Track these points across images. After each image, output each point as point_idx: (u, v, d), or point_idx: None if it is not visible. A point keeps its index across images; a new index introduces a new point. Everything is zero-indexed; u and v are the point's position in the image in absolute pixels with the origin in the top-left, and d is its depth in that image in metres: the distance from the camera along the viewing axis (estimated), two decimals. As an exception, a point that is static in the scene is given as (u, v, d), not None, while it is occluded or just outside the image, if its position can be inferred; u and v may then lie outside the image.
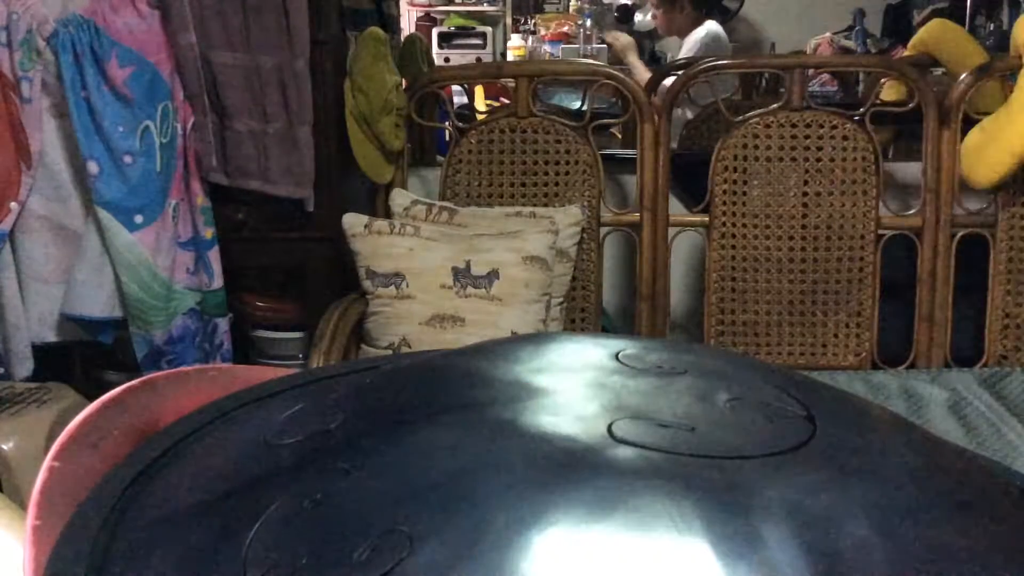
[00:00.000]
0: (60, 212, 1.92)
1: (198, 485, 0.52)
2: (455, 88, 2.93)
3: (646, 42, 5.08)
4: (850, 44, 4.44)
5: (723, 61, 2.58)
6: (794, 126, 2.23)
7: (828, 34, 4.57)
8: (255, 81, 2.00)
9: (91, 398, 0.58)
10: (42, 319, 1.94)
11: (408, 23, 5.25)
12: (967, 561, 0.44)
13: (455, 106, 2.55)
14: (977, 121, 2.19)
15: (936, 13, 4.16)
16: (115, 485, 0.52)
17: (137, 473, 0.53)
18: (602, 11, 5.65)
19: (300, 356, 2.23)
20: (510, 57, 5.27)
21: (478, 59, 4.96)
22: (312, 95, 2.03)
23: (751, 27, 5.47)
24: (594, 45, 5.26)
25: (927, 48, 2.48)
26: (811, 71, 2.41)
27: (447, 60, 4.88)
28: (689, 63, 2.64)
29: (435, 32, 5.38)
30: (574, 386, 0.53)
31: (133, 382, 0.61)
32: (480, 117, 2.41)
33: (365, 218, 2.08)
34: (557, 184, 2.27)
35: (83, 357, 2.23)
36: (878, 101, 2.27)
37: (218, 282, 2.08)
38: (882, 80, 2.31)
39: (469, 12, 5.68)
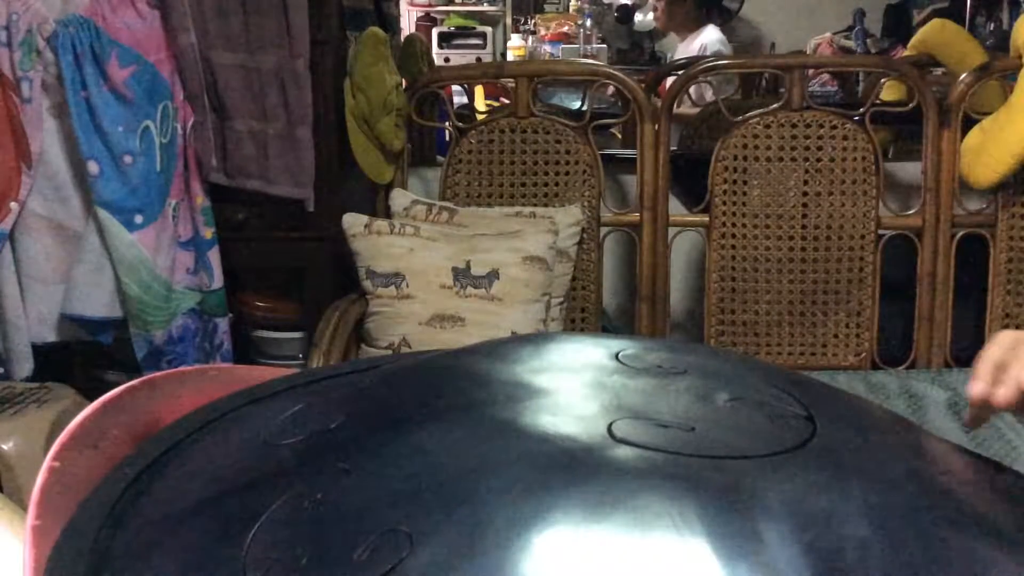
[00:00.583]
0: (60, 212, 1.92)
1: (198, 485, 0.52)
2: (455, 88, 2.92)
3: (646, 42, 5.08)
4: (850, 44, 4.44)
5: (723, 61, 2.58)
6: (794, 126, 2.23)
7: (828, 34, 4.57)
8: (255, 81, 2.00)
9: (91, 398, 0.58)
10: (42, 319, 1.94)
11: (408, 23, 5.25)
12: (966, 561, 0.44)
13: (455, 106, 2.55)
14: (977, 121, 2.19)
15: (936, 13, 4.16)
16: (115, 485, 0.52)
17: (137, 473, 0.53)
18: (602, 11, 5.64)
19: (300, 356, 2.23)
20: (510, 57, 5.27)
21: (478, 59, 4.96)
22: (312, 95, 2.03)
23: (751, 27, 5.47)
24: (594, 45, 5.26)
25: (927, 48, 2.48)
26: (811, 71, 2.41)
27: (447, 60, 4.88)
28: (689, 63, 2.63)
29: (435, 32, 5.38)
30: (574, 386, 0.53)
31: (133, 382, 0.61)
32: (480, 117, 2.41)
33: (365, 218, 2.08)
34: (557, 184, 2.27)
35: (83, 357, 2.23)
36: (878, 101, 2.27)
37: (218, 282, 2.08)
38: (882, 80, 2.31)
39: (469, 12, 5.68)
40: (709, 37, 3.83)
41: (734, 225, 2.25)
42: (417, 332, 2.01)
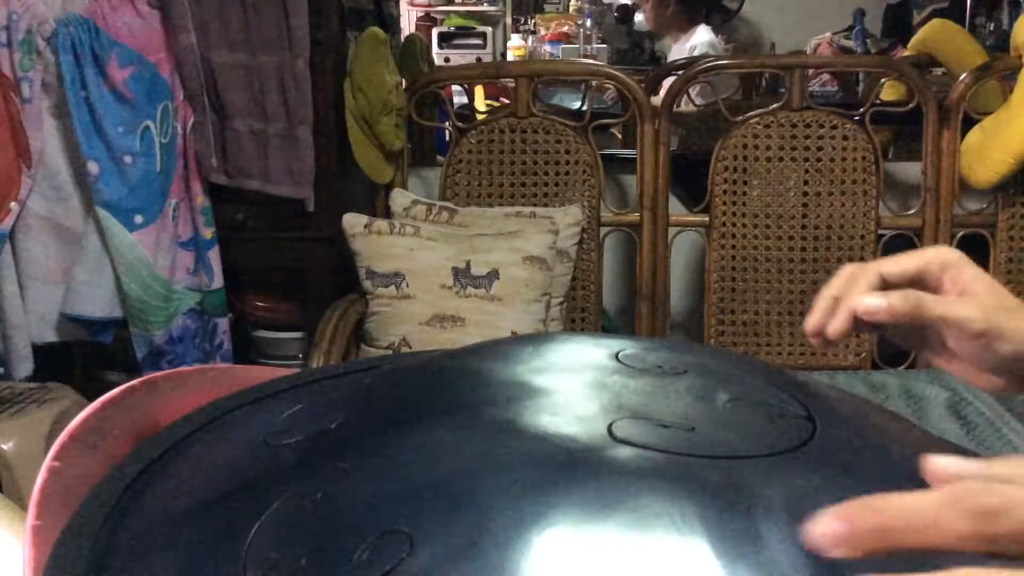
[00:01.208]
0: (60, 212, 1.92)
1: (198, 485, 0.52)
2: (455, 88, 2.93)
3: (646, 42, 5.08)
4: (850, 44, 4.44)
5: (723, 61, 2.58)
6: (794, 126, 2.23)
7: (828, 34, 4.56)
8: (255, 81, 2.00)
9: (91, 398, 0.58)
10: (42, 319, 1.94)
11: (408, 23, 5.24)
12: (966, 560, 0.44)
13: (455, 106, 2.55)
14: (977, 121, 2.19)
15: (936, 13, 4.16)
16: (115, 485, 0.52)
17: (137, 473, 0.53)
18: (602, 11, 5.64)
19: (300, 356, 2.23)
20: (510, 57, 5.26)
21: (478, 59, 4.96)
22: (312, 95, 2.03)
23: (751, 27, 5.47)
24: (594, 45, 5.25)
25: (927, 48, 2.48)
26: (811, 71, 2.41)
27: (447, 60, 4.87)
28: (689, 63, 2.64)
29: (435, 32, 5.38)
30: (574, 386, 0.53)
31: (133, 382, 0.61)
32: (480, 117, 2.41)
33: (365, 218, 2.08)
34: (557, 184, 2.27)
35: (83, 357, 2.23)
36: (878, 101, 2.27)
37: (218, 282, 2.08)
38: (882, 80, 2.31)
39: (469, 12, 5.68)
40: (699, 39, 3.83)
41: (734, 225, 2.25)
42: (417, 332, 2.01)
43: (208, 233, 2.07)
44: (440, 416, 0.51)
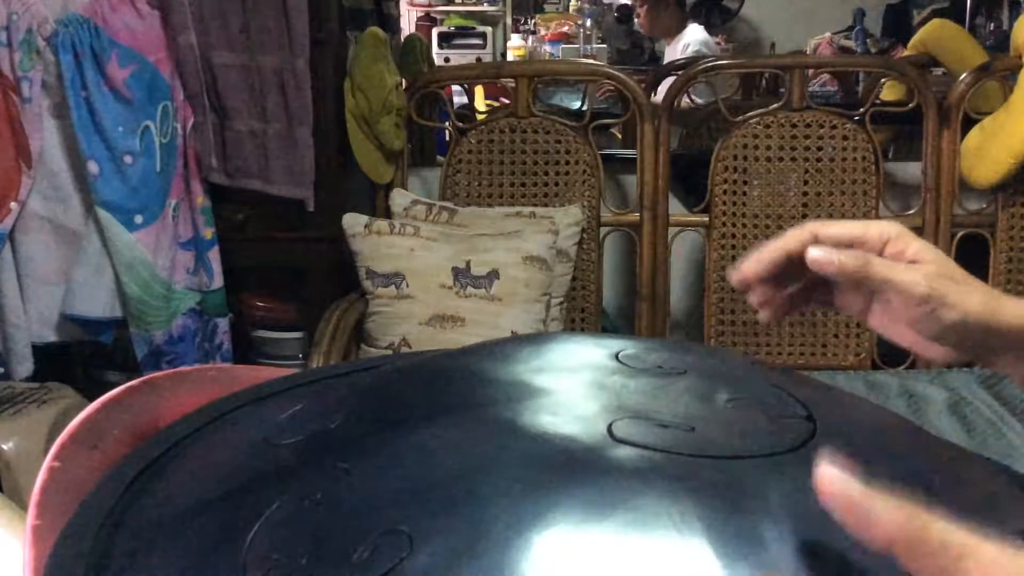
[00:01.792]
0: (60, 212, 1.92)
1: (198, 485, 0.52)
2: (455, 88, 2.93)
3: (646, 42, 5.08)
4: (850, 44, 4.44)
5: (723, 61, 2.58)
6: (794, 126, 2.23)
7: (828, 34, 4.57)
8: (255, 81, 2.00)
9: (91, 398, 0.58)
10: (42, 319, 1.94)
11: (408, 23, 5.25)
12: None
13: (455, 106, 2.55)
14: (977, 121, 2.19)
15: (936, 13, 4.16)
16: (115, 485, 0.52)
17: (137, 473, 0.53)
18: (602, 11, 5.64)
19: (300, 356, 2.23)
20: (510, 57, 5.26)
21: (478, 59, 4.96)
22: (312, 95, 2.03)
23: (751, 27, 5.47)
24: (594, 45, 5.26)
25: (927, 48, 2.48)
26: (811, 71, 2.41)
27: (447, 60, 4.87)
28: (689, 63, 2.64)
29: (435, 32, 5.38)
30: (574, 386, 0.53)
31: (133, 382, 0.61)
32: (480, 117, 2.41)
33: (365, 218, 2.08)
34: (557, 184, 2.27)
35: (83, 357, 2.23)
36: (878, 101, 2.27)
37: (218, 282, 2.08)
38: (882, 80, 2.31)
39: (469, 12, 5.68)
40: (692, 36, 3.83)
41: (734, 225, 2.25)
42: (417, 332, 2.01)
43: (208, 233, 2.07)
44: (440, 416, 0.51)
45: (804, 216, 2.24)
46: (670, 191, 2.28)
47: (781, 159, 2.24)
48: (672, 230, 2.28)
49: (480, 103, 3.37)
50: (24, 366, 1.91)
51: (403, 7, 4.46)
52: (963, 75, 2.20)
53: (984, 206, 2.25)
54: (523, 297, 2.04)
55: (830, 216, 2.23)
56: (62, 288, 1.93)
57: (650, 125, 2.23)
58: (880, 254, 0.63)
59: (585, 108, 2.34)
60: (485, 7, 5.70)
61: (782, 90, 2.32)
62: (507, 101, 2.60)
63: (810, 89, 2.34)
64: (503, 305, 2.03)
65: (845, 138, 2.22)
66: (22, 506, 0.82)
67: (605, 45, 5.30)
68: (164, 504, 0.50)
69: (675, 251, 2.30)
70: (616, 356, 0.57)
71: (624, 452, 0.45)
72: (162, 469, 0.54)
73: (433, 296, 2.02)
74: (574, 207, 2.21)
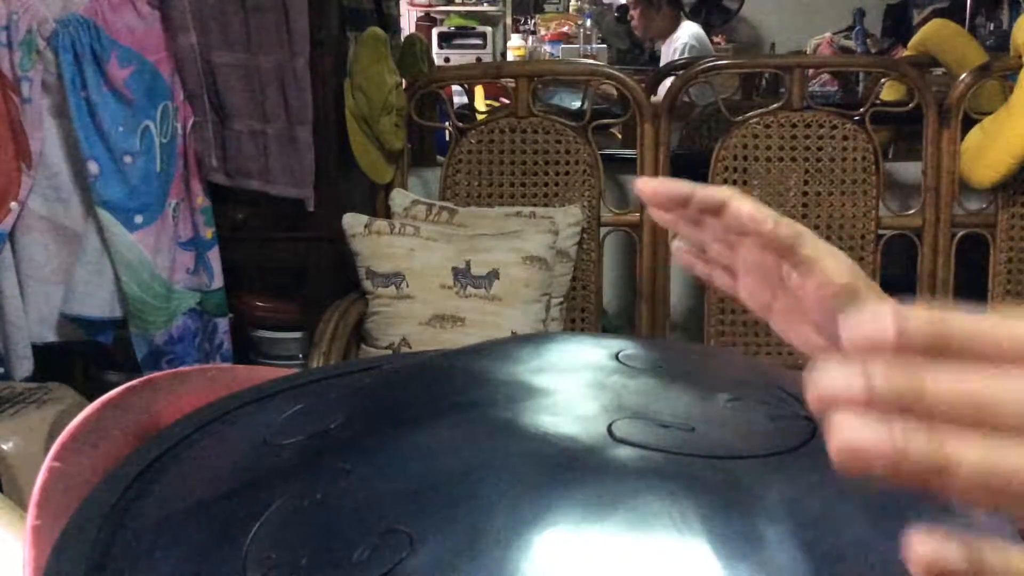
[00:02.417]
0: (60, 212, 1.92)
1: (198, 485, 0.52)
2: (455, 88, 2.93)
3: (646, 42, 5.08)
4: (850, 44, 4.44)
5: (723, 61, 2.58)
6: (794, 126, 2.23)
7: (828, 34, 4.57)
8: (255, 81, 2.00)
9: (91, 398, 0.58)
10: (42, 319, 1.94)
11: (408, 23, 5.25)
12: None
13: (455, 106, 2.55)
14: (977, 121, 2.19)
15: (936, 13, 4.17)
16: (115, 485, 0.52)
17: (137, 473, 0.53)
18: (602, 11, 5.64)
19: (300, 356, 2.23)
20: (510, 57, 5.27)
21: (478, 59, 4.96)
22: (312, 95, 2.03)
23: (751, 27, 5.47)
24: (594, 45, 5.26)
25: (927, 48, 2.48)
26: (811, 71, 2.41)
27: (447, 60, 4.88)
28: (689, 63, 2.63)
29: (435, 32, 5.38)
30: (574, 386, 0.53)
31: (133, 382, 0.61)
32: (480, 117, 2.41)
33: (365, 218, 2.08)
34: (557, 184, 2.27)
35: (83, 357, 2.23)
36: (878, 101, 2.27)
37: (218, 282, 2.08)
38: (882, 80, 2.31)
39: (469, 12, 5.68)
40: (686, 32, 3.84)
41: (734, 225, 2.25)
42: (417, 332, 2.01)
43: (208, 233, 2.07)
44: (440, 416, 0.51)
45: (804, 216, 2.24)
46: (670, 191, 2.28)
47: (781, 159, 2.23)
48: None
49: (480, 103, 3.37)
50: (24, 366, 1.91)
51: (403, 7, 4.46)
52: (963, 75, 2.20)
53: (984, 206, 2.24)
54: (523, 297, 2.04)
55: (830, 217, 2.23)
56: (62, 288, 1.93)
57: (650, 125, 2.23)
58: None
59: (585, 108, 2.34)
60: (485, 7, 5.70)
61: (782, 90, 2.32)
62: (507, 101, 2.60)
63: (810, 89, 2.34)
64: (503, 305, 2.03)
65: (845, 138, 2.22)
66: (22, 506, 0.82)
67: (605, 45, 5.30)
68: (164, 504, 0.50)
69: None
70: (616, 356, 0.57)
71: (624, 452, 0.45)
72: (162, 469, 0.54)
73: (433, 296, 2.02)
74: (574, 207, 2.21)
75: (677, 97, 2.29)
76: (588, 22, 5.51)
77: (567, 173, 2.27)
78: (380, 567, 0.40)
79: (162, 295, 1.98)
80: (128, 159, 1.89)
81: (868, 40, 4.47)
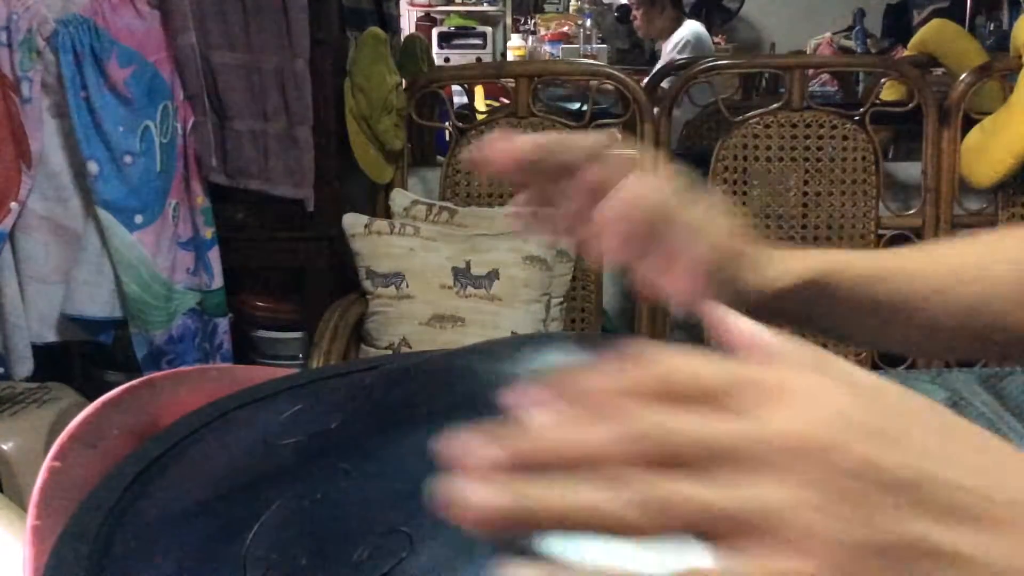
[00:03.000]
0: (60, 212, 1.92)
1: (198, 485, 0.52)
2: (455, 88, 2.93)
3: (646, 42, 5.09)
4: (850, 44, 4.44)
5: (723, 61, 2.58)
6: (794, 126, 2.23)
7: (828, 34, 4.57)
8: (255, 81, 2.00)
9: (91, 398, 0.58)
10: (42, 319, 1.94)
11: (408, 23, 5.25)
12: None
13: (455, 106, 2.55)
14: (977, 121, 2.19)
15: (936, 13, 4.17)
16: (115, 485, 0.52)
17: (137, 473, 0.53)
18: (602, 11, 5.65)
19: (300, 356, 2.23)
20: (510, 57, 5.27)
21: (478, 59, 4.96)
22: (312, 95, 2.03)
23: (751, 27, 5.47)
24: (594, 45, 5.26)
25: (927, 48, 2.48)
26: (811, 71, 2.41)
27: (447, 60, 4.88)
28: (688, 63, 2.63)
29: (435, 32, 5.38)
30: (574, 386, 0.53)
31: (133, 382, 0.61)
32: (480, 117, 2.41)
33: (365, 218, 2.08)
34: (557, 184, 2.27)
35: (83, 357, 2.23)
36: (878, 101, 2.27)
37: (218, 282, 2.08)
38: (882, 80, 2.31)
39: (469, 12, 5.68)
40: (687, 30, 3.84)
41: (734, 225, 2.25)
42: (417, 332, 2.01)
43: (208, 233, 2.07)
44: (440, 416, 0.51)
45: (804, 216, 2.24)
46: (670, 191, 2.28)
47: (781, 159, 2.23)
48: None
49: (480, 103, 3.37)
50: (24, 366, 1.91)
51: (403, 7, 4.46)
52: (963, 75, 2.20)
53: (984, 206, 2.24)
54: (523, 297, 2.04)
55: (830, 217, 2.23)
56: (62, 288, 1.93)
57: (650, 125, 2.23)
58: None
59: (585, 108, 2.34)
60: (485, 7, 5.70)
61: (782, 90, 2.32)
62: (507, 101, 2.60)
63: (810, 89, 2.34)
64: (503, 305, 2.03)
65: (845, 138, 2.22)
66: (22, 506, 0.82)
67: (605, 45, 5.30)
68: (164, 504, 0.50)
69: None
70: (616, 356, 0.57)
71: (624, 452, 0.45)
72: (162, 469, 0.54)
73: (433, 296, 2.02)
74: (574, 207, 2.20)
75: (677, 97, 2.29)
76: (588, 22, 5.51)
77: (567, 173, 2.26)
78: (380, 567, 0.40)
79: (162, 295, 1.98)
80: (128, 159, 1.89)
81: (868, 40, 4.47)
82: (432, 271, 2.03)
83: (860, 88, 3.29)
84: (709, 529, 0.29)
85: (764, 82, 3.54)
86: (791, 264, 0.59)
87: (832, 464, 0.29)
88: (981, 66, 2.21)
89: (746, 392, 0.30)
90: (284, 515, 0.44)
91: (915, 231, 2.23)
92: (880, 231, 2.23)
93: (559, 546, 0.38)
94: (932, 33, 2.53)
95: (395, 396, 0.57)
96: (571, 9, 5.80)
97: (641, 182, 0.56)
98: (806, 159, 2.23)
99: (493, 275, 2.03)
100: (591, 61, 4.26)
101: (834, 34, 4.56)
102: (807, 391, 0.30)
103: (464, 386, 0.55)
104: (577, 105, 3.22)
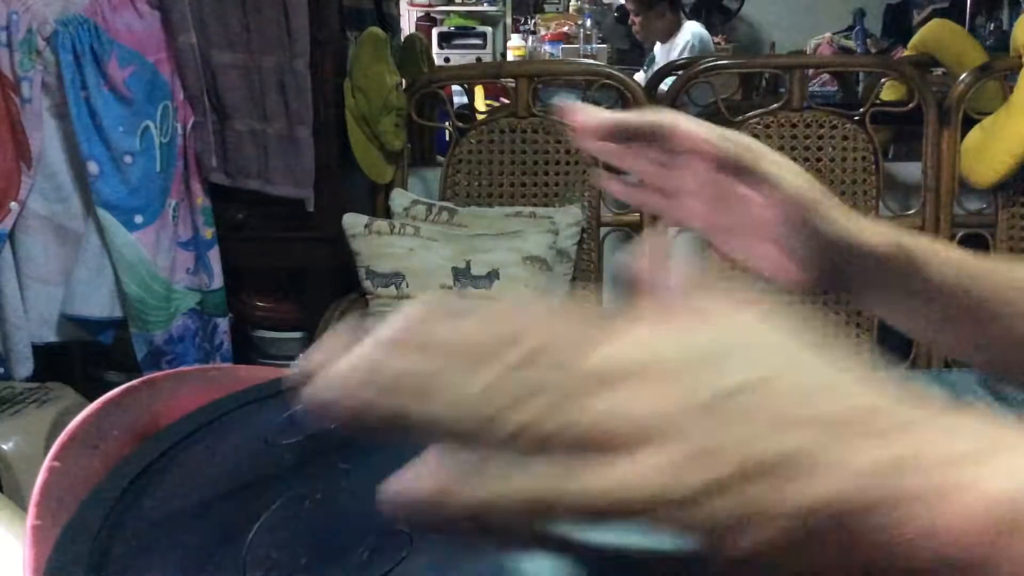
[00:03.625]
0: (60, 212, 1.92)
1: (198, 485, 0.52)
2: (455, 88, 2.92)
3: (646, 43, 5.09)
4: (850, 44, 4.44)
5: (723, 61, 2.58)
6: (794, 126, 2.23)
7: (828, 34, 4.57)
8: (255, 81, 2.00)
9: (91, 398, 0.58)
10: (42, 319, 1.94)
11: (408, 23, 5.25)
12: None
13: (455, 106, 2.55)
14: (977, 121, 2.19)
15: (936, 13, 4.17)
16: (115, 485, 0.52)
17: (137, 473, 0.53)
18: (602, 11, 5.65)
19: (300, 356, 2.22)
20: (510, 57, 5.27)
21: (478, 59, 4.96)
22: (312, 95, 2.03)
23: (751, 27, 5.47)
24: (594, 45, 5.26)
25: (927, 48, 2.48)
26: (811, 71, 2.40)
27: (447, 60, 4.88)
28: (689, 63, 2.63)
29: (435, 32, 5.38)
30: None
31: (133, 382, 0.61)
32: (480, 117, 2.41)
33: (365, 218, 2.08)
34: (557, 184, 2.27)
35: (83, 357, 2.23)
36: (878, 101, 2.27)
37: (218, 282, 2.08)
38: (882, 80, 2.31)
39: (469, 12, 5.68)
40: (688, 32, 3.84)
41: (734, 225, 2.25)
42: (417, 332, 2.00)
43: (208, 233, 2.07)
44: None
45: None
46: (670, 191, 2.28)
47: (781, 159, 2.23)
48: (672, 230, 2.27)
49: (480, 103, 3.36)
50: (24, 366, 1.91)
51: (403, 7, 4.46)
52: (963, 75, 2.19)
53: (984, 206, 2.24)
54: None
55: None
56: (62, 288, 1.93)
57: (650, 125, 2.23)
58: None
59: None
60: (485, 7, 5.70)
61: (782, 90, 2.32)
62: (507, 101, 2.60)
63: (810, 89, 2.34)
64: (503, 305, 2.03)
65: (845, 138, 2.22)
66: (22, 506, 0.82)
67: (605, 45, 5.30)
68: (164, 504, 0.50)
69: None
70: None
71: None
72: (162, 469, 0.54)
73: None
74: (574, 207, 2.21)
75: (677, 97, 2.29)
76: (588, 22, 5.51)
77: (567, 173, 2.27)
78: (380, 567, 0.40)
79: (162, 295, 1.98)
80: (128, 159, 1.89)
81: (868, 40, 4.47)
82: (432, 271, 2.03)
83: (860, 88, 3.29)
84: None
85: (764, 82, 3.53)
86: (880, 227, 0.58)
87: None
88: (981, 66, 2.21)
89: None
90: (284, 515, 0.44)
91: (915, 231, 2.23)
92: (880, 231, 2.23)
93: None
94: (932, 33, 2.52)
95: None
96: (571, 9, 5.80)
97: (719, 134, 0.57)
98: (806, 159, 2.23)
99: (493, 275, 2.03)
100: (591, 61, 4.26)
101: (834, 34, 4.56)
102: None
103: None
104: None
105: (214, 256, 2.07)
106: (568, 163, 2.26)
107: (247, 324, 2.27)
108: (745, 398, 0.28)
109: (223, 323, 2.13)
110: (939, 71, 2.56)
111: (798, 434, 0.28)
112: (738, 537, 0.27)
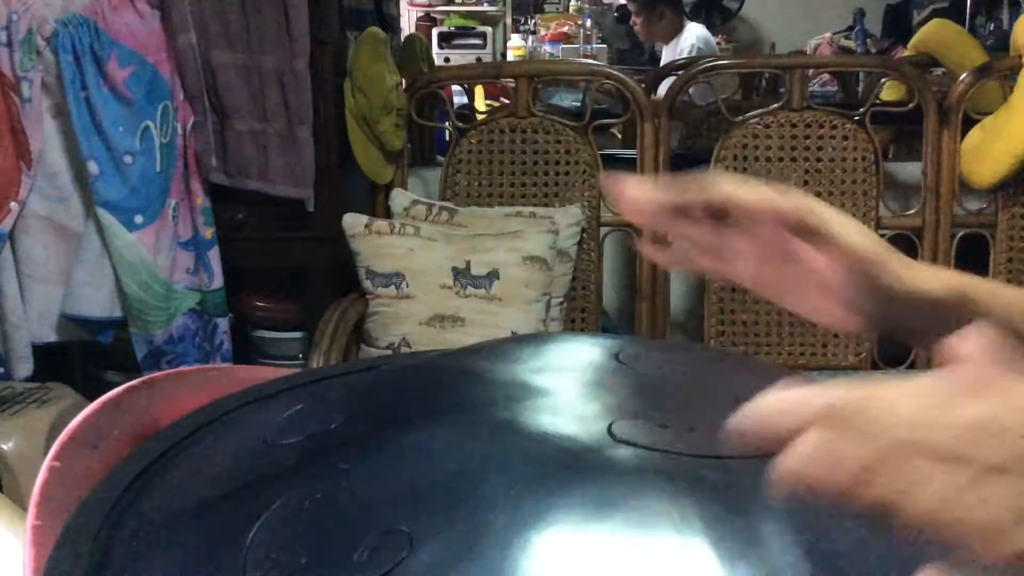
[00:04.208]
0: (60, 212, 1.92)
1: (198, 485, 0.52)
2: (455, 88, 2.93)
3: (646, 42, 5.08)
4: (850, 44, 4.44)
5: (723, 61, 2.58)
6: (794, 126, 2.23)
7: (828, 34, 4.57)
8: (255, 81, 2.00)
9: (91, 398, 0.58)
10: (42, 319, 1.94)
11: (408, 23, 5.25)
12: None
13: (455, 106, 2.55)
14: (977, 121, 2.19)
15: (936, 13, 4.16)
16: (115, 485, 0.52)
17: (137, 473, 0.53)
18: (602, 11, 5.65)
19: (300, 356, 2.23)
20: (510, 57, 5.27)
21: (478, 59, 4.96)
22: (312, 95, 2.03)
23: (751, 27, 5.47)
24: (594, 45, 5.26)
25: (927, 48, 2.48)
26: (811, 71, 2.40)
27: (447, 60, 4.88)
28: (689, 63, 2.63)
29: (435, 32, 5.38)
30: (574, 386, 0.53)
31: (133, 382, 0.61)
32: (480, 117, 2.41)
33: (365, 218, 2.08)
34: (557, 184, 2.27)
35: (83, 357, 2.23)
36: (878, 101, 2.27)
37: (218, 282, 2.08)
38: (882, 80, 2.31)
39: (469, 12, 5.68)
40: (692, 34, 3.84)
41: (734, 225, 2.25)
42: (417, 332, 2.01)
43: (208, 233, 2.07)
44: (440, 416, 0.51)
45: (804, 216, 2.23)
46: (670, 191, 2.27)
47: (781, 159, 2.23)
48: (672, 230, 2.27)
49: (480, 103, 3.37)
50: (24, 366, 1.91)
51: (403, 7, 4.46)
52: (963, 75, 2.19)
53: (984, 206, 2.24)
54: (523, 297, 2.04)
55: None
56: (62, 288, 1.93)
57: (650, 125, 2.23)
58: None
59: (585, 108, 2.34)
60: (485, 7, 5.70)
61: (782, 90, 2.32)
62: (507, 101, 2.60)
63: (810, 89, 2.34)
64: (503, 305, 2.03)
65: (845, 138, 2.22)
66: (22, 506, 0.82)
67: (605, 45, 5.30)
68: (164, 504, 0.50)
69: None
70: (616, 356, 0.57)
71: (624, 452, 0.45)
72: (162, 469, 0.54)
73: (433, 296, 2.02)
74: (574, 207, 2.21)
75: (677, 97, 2.29)
76: (588, 22, 5.51)
77: (567, 173, 2.27)
78: (380, 567, 0.40)
79: (162, 295, 1.98)
80: (128, 159, 1.89)
81: (868, 40, 4.47)
82: (432, 271, 2.03)
83: (860, 88, 3.29)
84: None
85: (764, 82, 3.53)
86: (941, 274, 0.60)
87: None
88: (981, 66, 2.21)
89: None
90: (284, 515, 0.44)
91: (915, 231, 2.23)
92: (880, 231, 2.22)
93: None
94: (932, 33, 2.52)
95: (395, 396, 0.57)
96: (571, 9, 5.80)
97: (777, 197, 0.58)
98: (806, 159, 2.23)
99: (493, 275, 2.03)
100: (591, 61, 4.26)
101: (834, 34, 4.56)
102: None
103: (464, 386, 0.55)
104: (577, 105, 3.22)
105: (214, 256, 2.07)
106: (568, 163, 2.26)
107: (247, 324, 2.27)
108: None
109: (223, 323, 2.13)
110: (939, 71, 2.56)
111: None
112: None
